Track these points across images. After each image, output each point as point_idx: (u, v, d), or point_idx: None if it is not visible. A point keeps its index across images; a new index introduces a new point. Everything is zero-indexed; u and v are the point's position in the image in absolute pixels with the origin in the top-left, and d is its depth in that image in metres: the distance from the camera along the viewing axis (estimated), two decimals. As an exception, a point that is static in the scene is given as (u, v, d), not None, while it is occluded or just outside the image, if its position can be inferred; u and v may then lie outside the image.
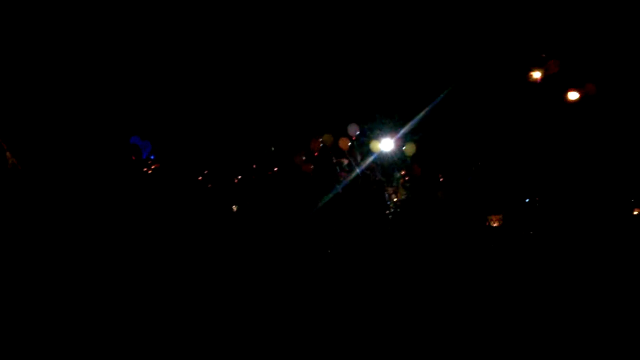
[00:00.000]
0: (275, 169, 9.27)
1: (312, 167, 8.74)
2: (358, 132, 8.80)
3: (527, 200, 8.80)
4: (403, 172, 9.24)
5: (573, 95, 8.32)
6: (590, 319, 5.28)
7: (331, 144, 8.91)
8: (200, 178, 9.24)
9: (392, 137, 8.92)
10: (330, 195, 8.65)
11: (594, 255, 7.16)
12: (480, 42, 9.01)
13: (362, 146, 9.04)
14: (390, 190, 9.21)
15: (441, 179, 9.21)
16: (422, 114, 8.83)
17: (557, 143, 8.47)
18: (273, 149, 9.42)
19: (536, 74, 8.57)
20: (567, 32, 8.47)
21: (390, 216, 8.97)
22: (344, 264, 7.83)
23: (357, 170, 8.88)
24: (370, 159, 9.00)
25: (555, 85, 8.38)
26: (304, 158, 8.77)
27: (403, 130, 8.94)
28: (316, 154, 8.78)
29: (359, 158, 8.98)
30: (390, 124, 9.03)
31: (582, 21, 8.32)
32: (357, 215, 8.67)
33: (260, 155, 9.47)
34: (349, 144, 8.91)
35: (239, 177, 9.21)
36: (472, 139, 9.08)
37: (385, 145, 8.91)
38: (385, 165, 9.20)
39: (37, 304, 5.94)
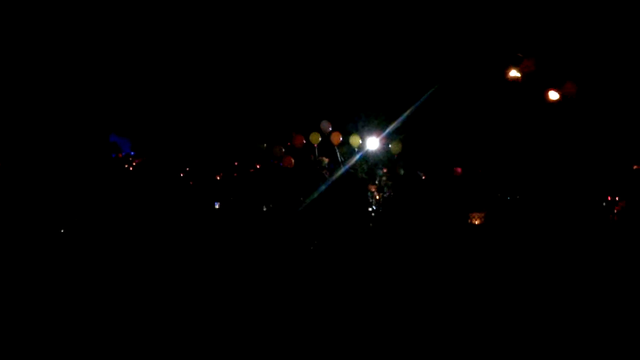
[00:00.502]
0: (258, 166, 9.23)
1: (292, 160, 8.71)
2: (330, 128, 8.81)
3: (508, 198, 8.87)
4: (385, 170, 9.26)
5: (553, 95, 8.41)
6: (572, 316, 5.33)
7: (316, 143, 8.91)
8: (182, 175, 9.16)
9: (375, 135, 8.95)
10: (313, 192, 8.64)
11: (575, 252, 7.24)
12: (461, 43, 9.08)
13: (344, 144, 9.04)
14: (372, 188, 9.22)
15: (423, 177, 9.25)
16: (405, 113, 8.86)
17: (538, 141, 8.56)
18: (265, 145, 9.36)
19: (515, 73, 8.66)
20: (546, 31, 8.57)
21: (373, 214, 8.98)
22: (327, 261, 7.82)
23: (342, 169, 8.89)
24: (353, 157, 9.01)
25: (535, 84, 8.48)
26: (282, 150, 8.74)
27: (386, 129, 8.97)
28: (296, 145, 8.74)
29: (341, 156, 8.98)
30: (373, 122, 9.05)
31: (560, 20, 8.43)
32: (339, 213, 8.66)
33: (242, 152, 9.42)
34: (340, 139, 8.92)
35: (221, 174, 9.15)
36: (454, 138, 9.14)
37: (370, 143, 8.93)
38: (369, 163, 9.21)
39: (13, 301, 5.85)
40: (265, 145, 9.40)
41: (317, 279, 7.07)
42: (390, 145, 8.96)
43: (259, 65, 9.43)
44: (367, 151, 8.99)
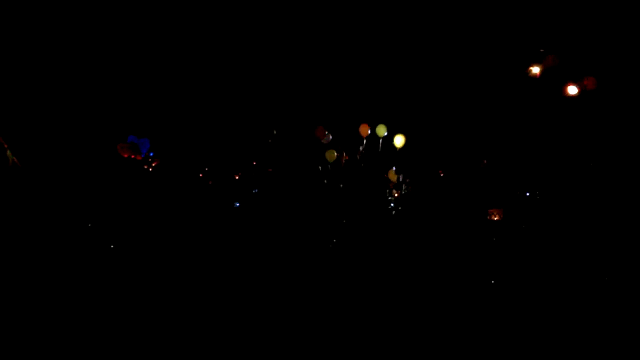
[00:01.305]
0: (276, 166, 9.26)
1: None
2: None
3: (527, 194, 8.82)
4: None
5: (572, 90, 8.34)
6: (590, 315, 5.30)
7: (332, 160, 8.95)
8: (200, 175, 9.22)
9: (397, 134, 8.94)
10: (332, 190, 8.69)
11: (594, 250, 7.19)
12: (479, 39, 9.02)
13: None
14: (391, 185, 9.22)
15: (441, 175, 9.24)
16: (422, 110, 8.83)
17: (557, 137, 8.50)
18: (275, 132, 9.35)
19: (535, 69, 8.60)
20: (566, 27, 8.49)
21: (393, 211, 8.99)
22: (346, 258, 7.85)
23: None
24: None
25: (555, 80, 8.41)
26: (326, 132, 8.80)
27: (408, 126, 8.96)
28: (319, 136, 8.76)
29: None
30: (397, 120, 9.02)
31: (580, 15, 8.34)
32: (358, 210, 8.70)
33: (260, 151, 9.44)
34: (368, 131, 8.93)
35: (240, 173, 9.20)
36: (473, 134, 9.10)
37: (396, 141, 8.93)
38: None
39: (35, 302, 5.94)
40: (275, 131, 9.40)
41: (336, 276, 7.12)
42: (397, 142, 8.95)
43: (280, 65, 9.43)
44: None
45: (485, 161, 8.91)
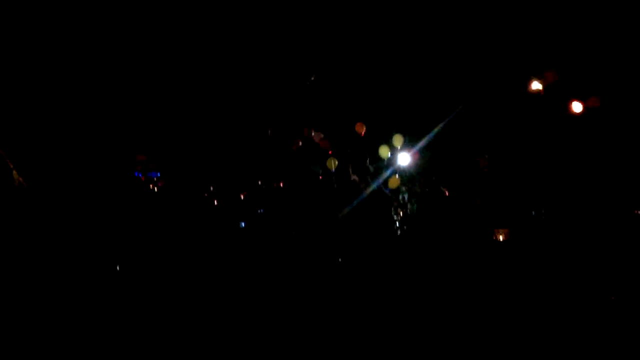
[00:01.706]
0: (281, 183, 9.27)
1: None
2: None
3: (533, 213, 8.81)
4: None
5: (577, 107, 8.38)
6: (595, 332, 5.28)
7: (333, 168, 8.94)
8: (206, 195, 9.24)
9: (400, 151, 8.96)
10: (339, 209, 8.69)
11: (600, 268, 7.17)
12: (482, 55, 9.07)
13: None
14: (395, 203, 9.22)
15: (447, 193, 9.24)
16: (432, 128, 8.86)
17: (562, 155, 8.52)
18: (270, 131, 9.36)
19: (537, 86, 8.65)
20: (567, 42, 8.54)
21: (398, 231, 8.98)
22: (353, 278, 7.84)
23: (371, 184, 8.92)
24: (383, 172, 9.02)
25: (558, 97, 8.45)
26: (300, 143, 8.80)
27: (413, 144, 8.97)
28: (330, 151, 8.78)
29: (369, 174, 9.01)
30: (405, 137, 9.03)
31: (582, 30, 8.40)
32: (364, 229, 8.70)
33: (264, 168, 9.45)
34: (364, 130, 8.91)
35: (245, 192, 9.22)
36: (477, 151, 9.12)
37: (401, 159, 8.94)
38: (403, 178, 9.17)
39: (39, 317, 5.95)
40: (269, 131, 9.40)
41: (343, 295, 7.10)
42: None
43: (287, 78, 9.49)
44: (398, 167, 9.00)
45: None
